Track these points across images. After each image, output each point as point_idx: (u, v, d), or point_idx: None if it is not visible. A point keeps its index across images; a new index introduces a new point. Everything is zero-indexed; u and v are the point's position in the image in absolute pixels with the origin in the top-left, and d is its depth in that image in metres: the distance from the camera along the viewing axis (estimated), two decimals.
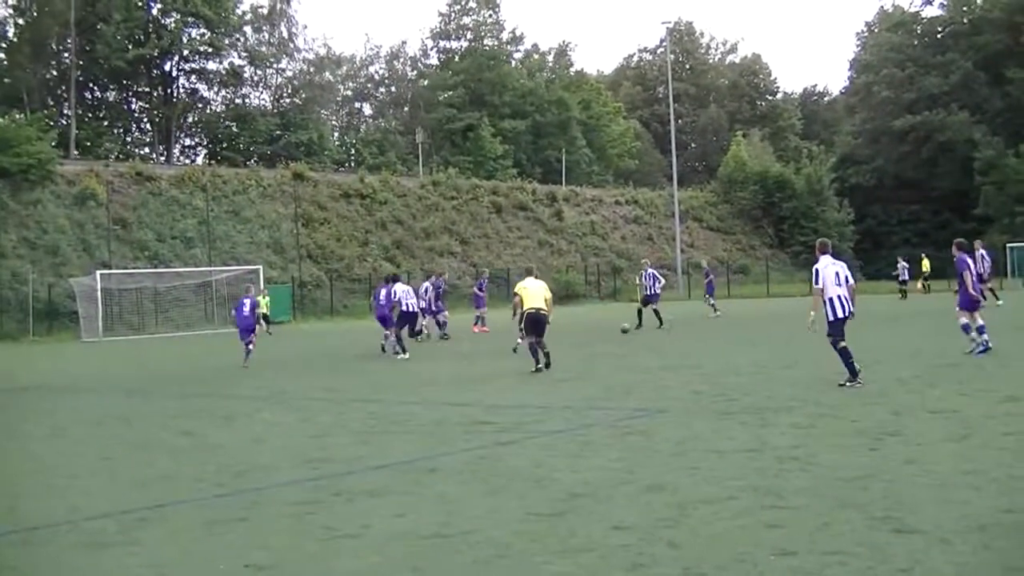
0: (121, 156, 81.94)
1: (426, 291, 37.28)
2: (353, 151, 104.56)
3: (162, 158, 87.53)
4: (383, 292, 31.10)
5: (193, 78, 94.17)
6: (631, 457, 11.73)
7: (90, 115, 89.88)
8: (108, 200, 60.81)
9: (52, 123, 71.68)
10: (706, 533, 8.18)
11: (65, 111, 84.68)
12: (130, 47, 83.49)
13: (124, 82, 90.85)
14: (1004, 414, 13.57)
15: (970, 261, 21.95)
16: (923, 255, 58.04)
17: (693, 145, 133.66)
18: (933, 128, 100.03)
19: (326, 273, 67.03)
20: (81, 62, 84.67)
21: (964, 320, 21.63)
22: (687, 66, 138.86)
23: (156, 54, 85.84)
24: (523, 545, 8.09)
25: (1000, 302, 39.60)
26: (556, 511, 9.19)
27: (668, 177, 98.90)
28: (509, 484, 10.52)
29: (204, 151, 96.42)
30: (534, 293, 23.44)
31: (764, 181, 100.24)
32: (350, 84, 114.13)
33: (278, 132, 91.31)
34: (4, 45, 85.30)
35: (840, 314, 17.23)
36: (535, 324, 23.17)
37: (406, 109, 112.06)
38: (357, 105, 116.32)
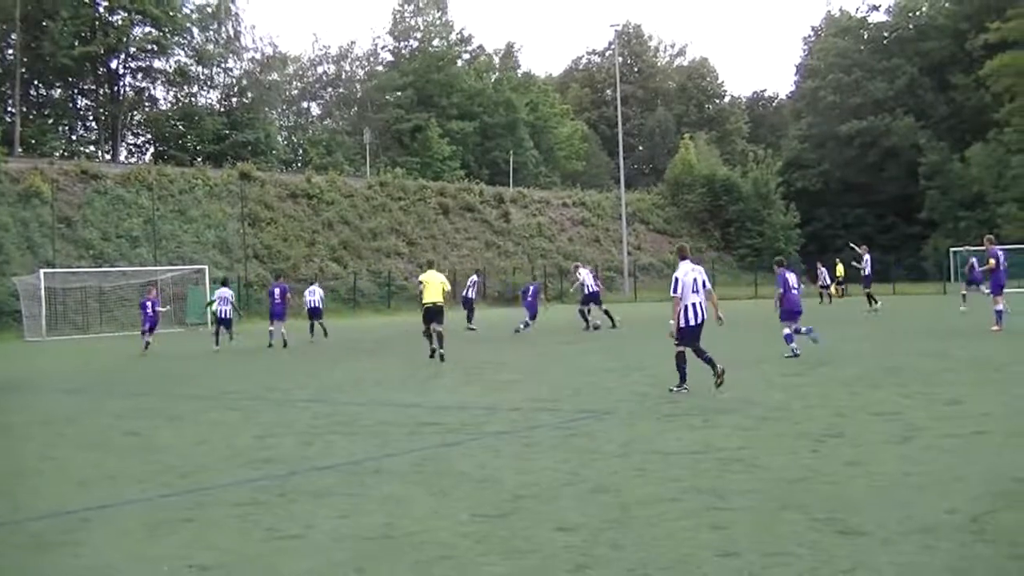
0: (66, 154, 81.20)
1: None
2: (300, 151, 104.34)
3: (108, 156, 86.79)
4: (277, 291, 36.20)
5: (140, 76, 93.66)
6: (576, 459, 11.73)
7: (35, 112, 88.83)
8: (53, 198, 60.25)
9: None
10: (650, 534, 8.21)
11: (10, 108, 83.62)
12: (76, 44, 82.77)
13: (70, 79, 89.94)
14: (947, 416, 13.67)
15: (789, 276, 23.26)
16: (837, 259, 58.94)
17: (640, 148, 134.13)
18: (879, 133, 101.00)
19: (272, 273, 66.61)
20: (26, 59, 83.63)
21: (787, 331, 22.70)
22: (635, 69, 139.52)
23: (103, 52, 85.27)
24: (468, 546, 8.08)
25: (878, 307, 41.84)
26: (501, 512, 9.20)
27: (615, 179, 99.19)
28: (454, 485, 10.51)
29: (151, 150, 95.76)
30: (433, 287, 26.95)
31: (711, 184, 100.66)
32: (297, 84, 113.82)
33: (225, 131, 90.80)
34: None
35: (693, 321, 17.32)
36: (433, 315, 26.51)
37: (354, 109, 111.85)
38: (305, 105, 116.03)
